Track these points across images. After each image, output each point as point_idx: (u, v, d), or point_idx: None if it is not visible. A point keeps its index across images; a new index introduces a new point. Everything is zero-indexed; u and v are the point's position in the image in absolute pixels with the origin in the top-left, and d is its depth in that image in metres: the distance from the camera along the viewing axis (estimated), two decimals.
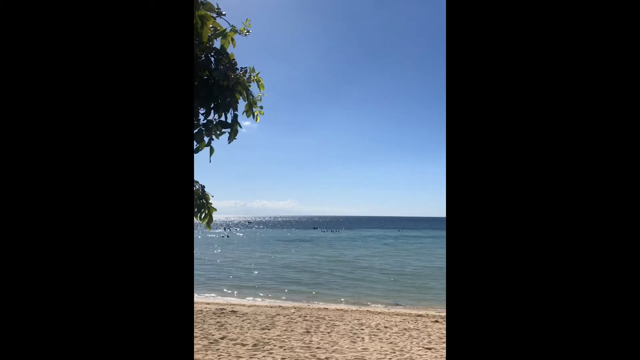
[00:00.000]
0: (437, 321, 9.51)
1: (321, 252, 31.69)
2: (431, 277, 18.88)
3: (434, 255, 29.64)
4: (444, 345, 6.74)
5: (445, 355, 5.96)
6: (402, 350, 6.32)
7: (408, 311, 11.55)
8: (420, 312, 11.25)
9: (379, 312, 10.95)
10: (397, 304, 13.13)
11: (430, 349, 6.48)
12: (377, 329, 8.04)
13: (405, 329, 8.13)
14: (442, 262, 24.78)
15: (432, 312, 11.34)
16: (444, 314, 11.21)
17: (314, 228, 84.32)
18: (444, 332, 7.95)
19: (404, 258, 27.46)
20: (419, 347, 6.62)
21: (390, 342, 6.90)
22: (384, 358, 5.86)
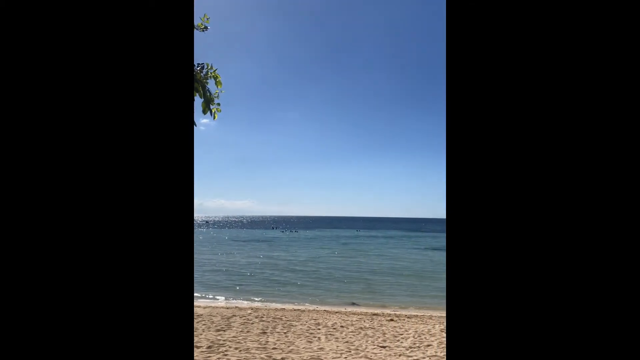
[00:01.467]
0: (392, 320, 9.70)
1: (278, 252, 31.56)
2: (385, 275, 19.25)
3: (384, 256, 30.22)
4: (398, 343, 6.89)
5: (399, 353, 6.08)
6: (357, 349, 6.40)
7: (364, 310, 11.72)
8: (376, 311, 11.44)
9: (336, 312, 11.04)
10: (353, 303, 13.29)
11: (385, 347, 6.60)
12: (334, 329, 8.10)
13: (361, 328, 8.25)
14: (393, 262, 25.34)
15: (387, 311, 11.56)
16: (399, 312, 11.47)
17: (273, 228, 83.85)
18: (399, 330, 8.13)
19: (359, 258, 27.83)
20: (374, 345, 6.73)
21: (346, 342, 6.97)
22: (339, 357, 5.91)
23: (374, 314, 10.75)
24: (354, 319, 9.68)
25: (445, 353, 6.20)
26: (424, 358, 5.88)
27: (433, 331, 8.12)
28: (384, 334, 7.71)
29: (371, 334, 7.62)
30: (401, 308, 12.54)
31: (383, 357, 5.91)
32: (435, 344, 6.85)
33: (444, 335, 7.71)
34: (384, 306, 12.85)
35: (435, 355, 6.01)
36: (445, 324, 9.27)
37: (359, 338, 7.26)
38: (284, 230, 72.48)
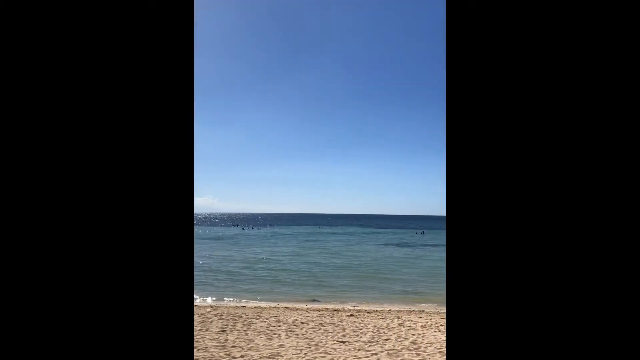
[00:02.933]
0: (352, 315, 9.82)
1: (236, 249, 31.21)
2: (345, 271, 19.46)
3: (342, 252, 30.56)
4: (357, 338, 6.99)
5: (358, 347, 6.16)
6: (317, 345, 6.44)
7: (325, 306, 11.80)
8: (337, 307, 11.55)
9: (297, 309, 11.05)
10: (314, 300, 13.35)
11: (344, 342, 6.67)
12: (294, 325, 8.11)
13: (322, 324, 8.30)
14: (352, 257, 25.68)
15: (348, 307, 11.70)
16: (359, 307, 11.63)
17: (234, 225, 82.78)
18: (358, 325, 8.25)
19: (319, 255, 27.99)
20: (334, 341, 6.79)
21: (307, 338, 7.00)
22: (299, 353, 5.92)
23: (335, 310, 10.84)
24: (315, 315, 9.72)
25: (402, 346, 6.35)
26: (382, 351, 5.99)
27: (392, 325, 8.29)
28: (344, 329, 7.79)
29: (331, 330, 7.69)
30: (361, 303, 12.71)
31: (342, 352, 5.97)
32: (393, 338, 7.00)
33: (402, 329, 7.89)
34: (344, 302, 12.98)
35: (393, 349, 6.14)
36: (402, 318, 9.49)
37: (319, 334, 7.30)
38: (245, 228, 71.73)
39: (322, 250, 31.15)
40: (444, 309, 11.85)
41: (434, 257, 26.84)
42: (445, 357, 5.69)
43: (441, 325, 8.38)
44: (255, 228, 70.98)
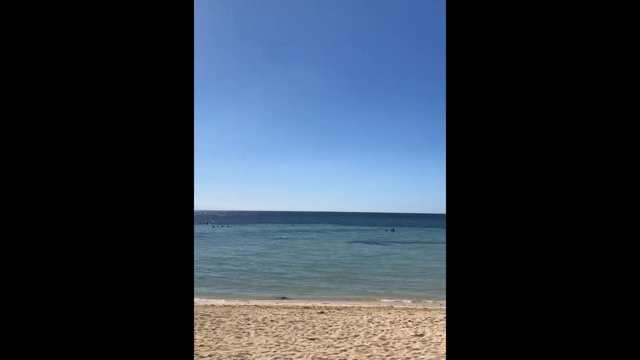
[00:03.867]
0: (322, 312, 9.87)
1: (205, 247, 30.77)
2: (315, 269, 19.53)
3: (312, 250, 30.67)
4: (327, 335, 7.02)
5: (327, 344, 6.19)
6: (286, 343, 6.43)
7: (295, 304, 11.80)
8: (307, 305, 11.57)
9: (267, 307, 11.01)
10: (284, 298, 13.32)
11: (314, 339, 6.69)
12: (264, 323, 8.07)
13: (291, 322, 8.30)
14: (322, 255, 25.80)
15: (318, 304, 11.74)
16: (329, 304, 11.69)
17: (204, 223, 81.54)
18: (328, 322, 8.29)
19: (288, 252, 27.97)
20: (303, 338, 6.80)
21: (276, 335, 6.98)
22: (268, 351, 5.90)
23: (305, 307, 10.86)
24: (285, 312, 9.71)
25: (371, 342, 6.43)
26: (351, 348, 6.05)
27: (361, 322, 8.38)
28: (314, 326, 7.82)
29: (301, 327, 7.69)
30: (331, 300, 12.79)
31: (312, 349, 5.99)
32: (362, 334, 7.07)
33: (371, 325, 7.99)
34: (314, 299, 13.02)
35: (362, 345, 6.21)
36: (372, 314, 9.61)
37: (289, 332, 7.30)
38: (215, 226, 70.76)
39: (291, 248, 31.11)
40: (412, 305, 12.06)
41: (402, 254, 27.28)
42: (411, 352, 5.80)
43: (409, 321, 8.53)
44: (226, 226, 70.12)
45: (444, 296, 13.76)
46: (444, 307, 11.47)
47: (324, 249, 30.82)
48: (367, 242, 37.01)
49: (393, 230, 60.14)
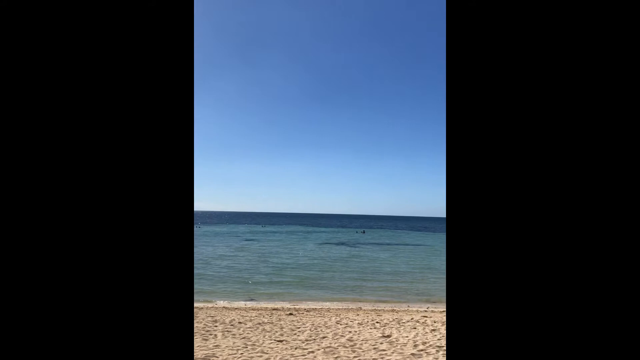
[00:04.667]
0: (291, 314, 9.84)
1: None
2: (283, 272, 19.47)
3: (282, 251, 30.59)
4: (295, 336, 7.01)
5: (295, 346, 6.18)
6: (254, 345, 6.39)
7: (264, 305, 11.72)
8: (276, 306, 11.52)
9: (235, 308, 10.89)
10: (251, 299, 13.22)
11: (281, 341, 6.67)
12: (231, 325, 7.99)
13: (259, 323, 8.24)
14: (294, 255, 25.76)
15: (287, 306, 11.70)
16: (299, 306, 11.68)
17: None
18: (296, 324, 8.28)
19: (258, 254, 27.79)
20: (271, 340, 6.77)
21: (243, 337, 6.92)
22: (235, 354, 5.84)
23: (274, 309, 10.81)
24: (254, 314, 9.64)
25: (338, 344, 6.46)
26: (318, 349, 6.06)
27: (329, 323, 8.41)
28: (282, 328, 7.79)
29: (269, 329, 7.66)
30: (300, 302, 12.77)
31: (279, 351, 5.97)
32: (330, 335, 7.10)
33: (339, 326, 8.03)
34: (284, 300, 12.97)
35: (330, 347, 6.24)
36: (340, 316, 9.66)
37: (257, 333, 7.25)
38: None
39: (259, 249, 30.89)
40: (380, 306, 12.20)
41: (372, 256, 27.55)
42: (378, 353, 5.87)
43: (377, 322, 8.62)
44: (196, 226, 68.94)
45: (412, 298, 13.99)
46: (412, 309, 11.66)
47: (294, 251, 30.74)
48: (337, 244, 37.16)
49: (364, 232, 60.66)
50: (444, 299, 13.92)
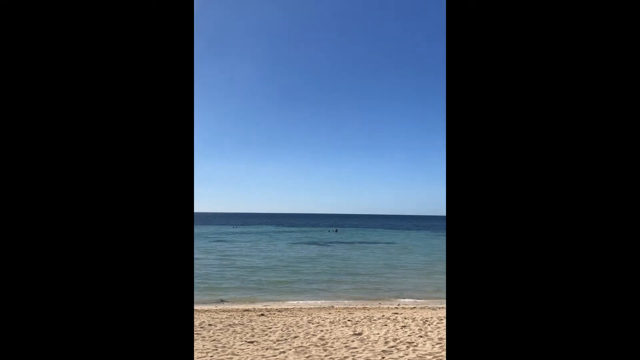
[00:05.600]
0: (262, 314, 9.77)
1: None
2: (253, 271, 19.33)
3: (252, 254, 30.40)
4: (266, 337, 6.96)
5: (266, 347, 6.13)
6: (224, 347, 6.29)
7: (235, 307, 11.58)
8: (247, 307, 11.40)
9: (205, 310, 10.71)
10: (221, 301, 13.04)
11: (252, 342, 6.60)
12: (201, 327, 7.84)
13: (230, 325, 8.13)
14: (265, 255, 25.62)
15: (259, 307, 11.61)
16: (270, 307, 11.60)
17: None
18: (267, 324, 8.22)
19: (229, 255, 27.49)
20: (242, 341, 6.69)
21: (213, 340, 6.81)
22: (204, 357, 5.74)
23: (246, 310, 10.70)
24: (224, 316, 9.50)
25: (310, 343, 6.45)
26: (290, 349, 6.03)
27: (301, 323, 8.39)
28: (253, 329, 7.71)
29: (240, 330, 7.56)
30: (271, 302, 12.69)
31: (250, 352, 5.90)
32: (301, 335, 7.08)
33: (311, 325, 8.02)
34: (254, 301, 12.86)
35: (301, 346, 6.22)
36: (312, 315, 9.66)
37: (227, 335, 7.15)
38: None
39: (232, 249, 30.56)
40: (352, 304, 12.27)
41: (344, 255, 27.71)
42: (349, 350, 5.90)
43: (348, 320, 8.67)
44: None
45: (383, 295, 14.15)
46: (383, 306, 11.79)
47: (263, 251, 30.55)
48: (309, 243, 37.18)
49: (336, 230, 60.89)
50: (414, 295, 14.16)
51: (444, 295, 14.22)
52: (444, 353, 5.63)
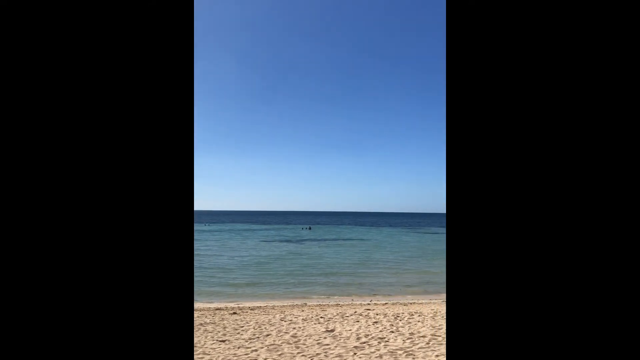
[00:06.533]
0: (234, 313, 9.67)
1: None
2: (222, 270, 19.14)
3: (220, 251, 30.12)
4: (238, 335, 6.90)
5: (238, 345, 6.06)
6: (195, 346, 6.20)
7: (207, 306, 11.43)
8: (219, 306, 11.27)
9: None
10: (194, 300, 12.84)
11: (224, 341, 6.53)
12: None
13: (202, 324, 8.02)
14: (224, 260, 25.42)
15: (231, 305, 11.49)
16: (242, 305, 11.50)
17: None
18: (239, 322, 8.14)
19: (201, 254, 27.13)
20: (213, 340, 6.61)
21: None
22: None
23: (217, 309, 10.57)
24: (195, 315, 9.36)
25: (282, 340, 6.43)
26: (262, 347, 6.00)
27: (273, 320, 8.36)
28: (225, 327, 7.63)
29: (211, 329, 7.47)
30: (244, 301, 12.59)
31: (222, 351, 5.84)
32: (274, 333, 7.05)
33: (284, 323, 8.00)
34: (225, 300, 12.72)
35: (273, 344, 6.19)
36: (285, 313, 9.64)
37: (198, 334, 7.04)
38: None
39: (203, 247, 30.15)
40: (324, 301, 12.32)
41: (317, 253, 27.78)
42: (322, 347, 5.92)
43: (321, 317, 8.69)
44: None
45: (355, 291, 14.26)
46: (356, 302, 11.88)
47: (234, 250, 30.27)
48: (282, 241, 37.08)
49: (310, 228, 60.88)
50: (385, 291, 14.35)
51: (415, 291, 14.49)
52: (415, 348, 5.73)
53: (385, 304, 11.58)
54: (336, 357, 5.40)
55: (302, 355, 5.49)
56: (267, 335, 6.89)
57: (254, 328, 7.53)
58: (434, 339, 6.29)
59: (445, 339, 6.24)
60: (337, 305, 11.39)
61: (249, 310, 10.20)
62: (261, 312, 9.93)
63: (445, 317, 8.29)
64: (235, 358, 5.47)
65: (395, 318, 8.31)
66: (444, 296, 13.33)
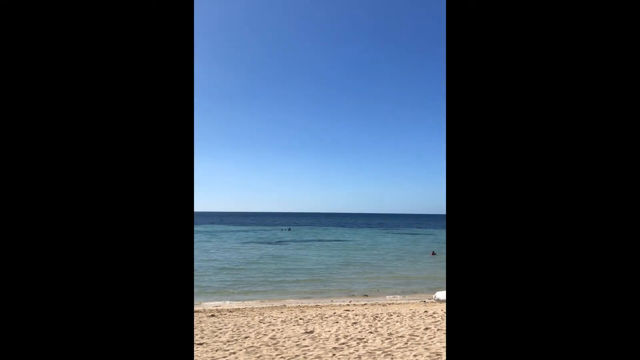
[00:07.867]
0: (213, 315, 9.56)
1: None
2: (200, 273, 18.92)
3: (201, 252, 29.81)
4: (216, 338, 6.81)
5: (216, 348, 5.99)
6: None
7: None
8: (197, 308, 11.12)
9: None
10: None
11: (201, 344, 6.44)
12: None
13: None
14: (200, 263, 25.14)
15: (209, 307, 11.36)
16: (220, 307, 11.37)
17: None
18: (218, 325, 8.05)
19: None
20: None
21: None
22: None
23: (195, 311, 10.43)
24: None
25: (261, 343, 6.39)
26: (240, 350, 5.95)
27: (252, 323, 8.30)
28: (202, 330, 7.53)
29: None
30: (222, 303, 12.46)
31: (199, 355, 5.76)
32: (253, 335, 7.00)
33: (262, 325, 7.95)
34: (206, 301, 12.57)
35: (252, 346, 6.14)
36: (264, 315, 9.57)
37: None
38: None
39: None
40: (304, 302, 12.30)
41: (296, 254, 27.73)
42: (301, 349, 5.90)
43: (300, 319, 8.67)
44: None
45: (335, 293, 14.29)
46: (335, 303, 11.90)
47: (209, 252, 29.95)
48: (261, 243, 36.86)
49: (289, 229, 60.70)
50: (365, 292, 14.43)
51: (393, 291, 14.62)
52: (393, 348, 5.78)
53: (364, 304, 11.63)
54: (315, 358, 5.40)
55: (281, 357, 5.46)
56: (246, 337, 6.83)
57: (232, 330, 7.45)
58: (412, 339, 6.35)
59: (426, 338, 6.32)
60: (317, 306, 11.39)
61: (228, 313, 10.10)
62: (240, 314, 9.84)
63: (432, 316, 8.39)
64: None
65: (374, 318, 8.36)
66: (421, 296, 13.50)
